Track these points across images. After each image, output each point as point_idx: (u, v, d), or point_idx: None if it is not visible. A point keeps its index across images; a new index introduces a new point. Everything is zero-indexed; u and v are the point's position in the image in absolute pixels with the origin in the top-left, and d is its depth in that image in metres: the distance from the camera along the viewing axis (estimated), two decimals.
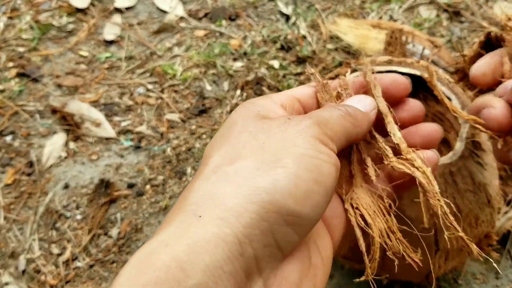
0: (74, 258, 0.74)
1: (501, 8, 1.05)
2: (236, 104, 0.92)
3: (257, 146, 0.25)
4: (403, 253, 0.31)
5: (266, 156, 0.25)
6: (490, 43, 0.65)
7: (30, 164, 0.85)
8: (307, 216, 0.24)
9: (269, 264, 0.24)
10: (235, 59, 1.00)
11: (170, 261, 0.21)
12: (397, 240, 0.31)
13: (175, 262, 0.21)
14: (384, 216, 0.31)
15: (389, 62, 0.62)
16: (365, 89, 0.35)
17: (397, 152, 0.32)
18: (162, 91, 0.95)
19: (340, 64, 0.97)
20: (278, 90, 0.93)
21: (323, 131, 0.27)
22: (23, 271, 0.73)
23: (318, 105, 0.33)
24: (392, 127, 0.33)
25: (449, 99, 0.58)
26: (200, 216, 0.23)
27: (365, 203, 0.30)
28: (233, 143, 0.26)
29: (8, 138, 0.88)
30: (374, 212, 0.30)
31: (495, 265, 0.71)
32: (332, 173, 0.26)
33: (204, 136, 0.88)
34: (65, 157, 0.86)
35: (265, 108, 0.29)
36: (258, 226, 0.23)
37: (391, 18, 1.06)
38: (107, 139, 0.88)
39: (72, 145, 0.87)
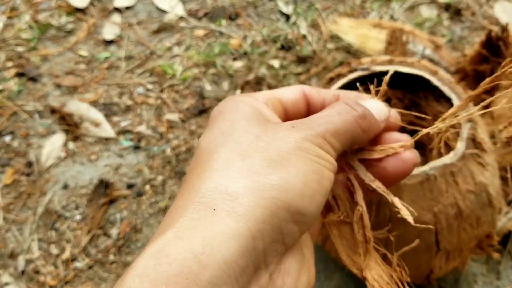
0: (74, 258, 0.74)
1: (502, 8, 1.05)
2: None
3: (263, 147, 0.26)
4: None
5: (274, 155, 0.26)
6: (491, 43, 0.65)
7: (29, 164, 0.85)
8: (310, 215, 0.26)
9: (274, 259, 0.25)
10: (235, 59, 0.99)
11: (185, 253, 0.21)
12: None
13: (191, 254, 0.21)
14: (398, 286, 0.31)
15: (390, 62, 0.62)
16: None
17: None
18: (161, 91, 0.95)
19: (341, 64, 0.96)
20: None
21: (328, 141, 0.28)
22: (23, 272, 0.73)
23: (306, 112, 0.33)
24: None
25: (450, 98, 0.57)
26: (214, 209, 0.23)
27: (376, 274, 0.31)
28: (239, 141, 0.27)
29: (7, 138, 0.88)
30: (387, 283, 0.31)
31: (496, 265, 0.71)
32: (331, 178, 0.28)
33: None
34: (64, 157, 0.85)
35: (255, 107, 0.30)
36: (269, 222, 0.24)
37: (391, 17, 1.06)
38: (107, 139, 0.88)
39: (71, 145, 0.87)
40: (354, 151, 0.33)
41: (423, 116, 0.39)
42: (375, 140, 0.34)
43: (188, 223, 0.23)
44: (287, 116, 0.33)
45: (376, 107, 0.32)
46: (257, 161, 0.25)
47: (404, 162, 0.32)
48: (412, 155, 0.32)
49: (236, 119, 0.28)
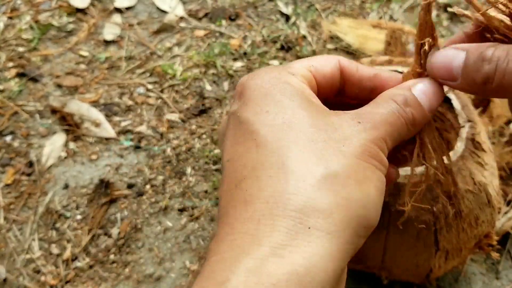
0: (74, 258, 0.74)
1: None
2: None
3: (337, 149, 0.25)
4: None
5: (350, 163, 0.25)
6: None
7: (30, 164, 0.85)
8: (374, 227, 0.25)
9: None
10: (235, 59, 1.00)
11: (289, 274, 0.21)
12: None
13: (295, 276, 0.21)
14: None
15: (389, 62, 0.62)
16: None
17: None
18: (162, 91, 0.95)
19: None
20: None
21: (387, 143, 0.27)
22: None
23: (340, 85, 0.31)
24: None
25: (449, 98, 0.58)
26: (309, 228, 0.23)
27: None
28: (310, 139, 0.25)
29: (8, 138, 0.88)
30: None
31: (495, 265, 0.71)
32: (385, 183, 0.27)
33: (204, 136, 0.88)
34: (65, 157, 0.86)
35: (300, 89, 0.28)
36: (354, 242, 0.23)
37: (391, 18, 1.06)
38: (107, 139, 0.88)
39: (72, 145, 0.87)
40: None
41: None
42: None
43: (283, 239, 0.22)
44: (320, 89, 0.30)
45: (430, 98, 0.29)
46: (337, 168, 0.24)
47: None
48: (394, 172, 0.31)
49: (291, 107, 0.26)
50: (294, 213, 0.23)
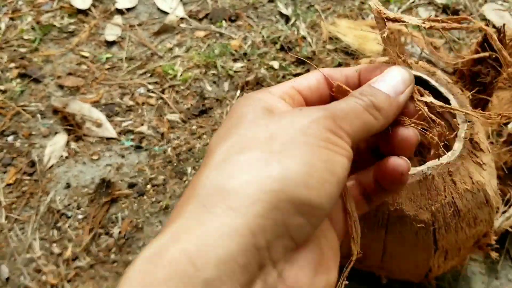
0: (75, 257, 0.74)
1: (491, 8, 1.05)
2: None
3: (266, 137, 0.25)
4: None
5: (276, 146, 0.24)
6: (488, 44, 0.66)
7: (32, 164, 0.85)
8: (319, 206, 0.24)
9: (282, 255, 0.23)
10: (235, 60, 1.00)
11: (180, 255, 0.21)
12: None
13: (185, 256, 0.21)
14: None
15: (388, 63, 0.63)
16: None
17: None
18: (162, 92, 0.95)
19: (340, 65, 0.97)
20: None
21: (337, 124, 0.26)
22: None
23: (328, 96, 0.31)
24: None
25: (447, 99, 0.58)
26: (211, 208, 0.22)
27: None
28: (242, 134, 0.25)
29: (10, 138, 0.89)
30: None
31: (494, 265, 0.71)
32: (344, 164, 0.25)
33: (204, 136, 0.89)
34: (66, 157, 0.86)
35: (268, 102, 0.28)
36: (271, 216, 0.22)
37: None
38: (108, 139, 0.88)
39: (73, 145, 0.88)
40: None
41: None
42: (404, 114, 0.30)
43: (183, 223, 0.22)
44: (307, 102, 0.30)
45: (393, 83, 0.29)
46: (257, 153, 0.24)
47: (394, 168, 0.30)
48: (401, 161, 0.30)
49: (244, 113, 0.27)
50: (201, 197, 0.23)
